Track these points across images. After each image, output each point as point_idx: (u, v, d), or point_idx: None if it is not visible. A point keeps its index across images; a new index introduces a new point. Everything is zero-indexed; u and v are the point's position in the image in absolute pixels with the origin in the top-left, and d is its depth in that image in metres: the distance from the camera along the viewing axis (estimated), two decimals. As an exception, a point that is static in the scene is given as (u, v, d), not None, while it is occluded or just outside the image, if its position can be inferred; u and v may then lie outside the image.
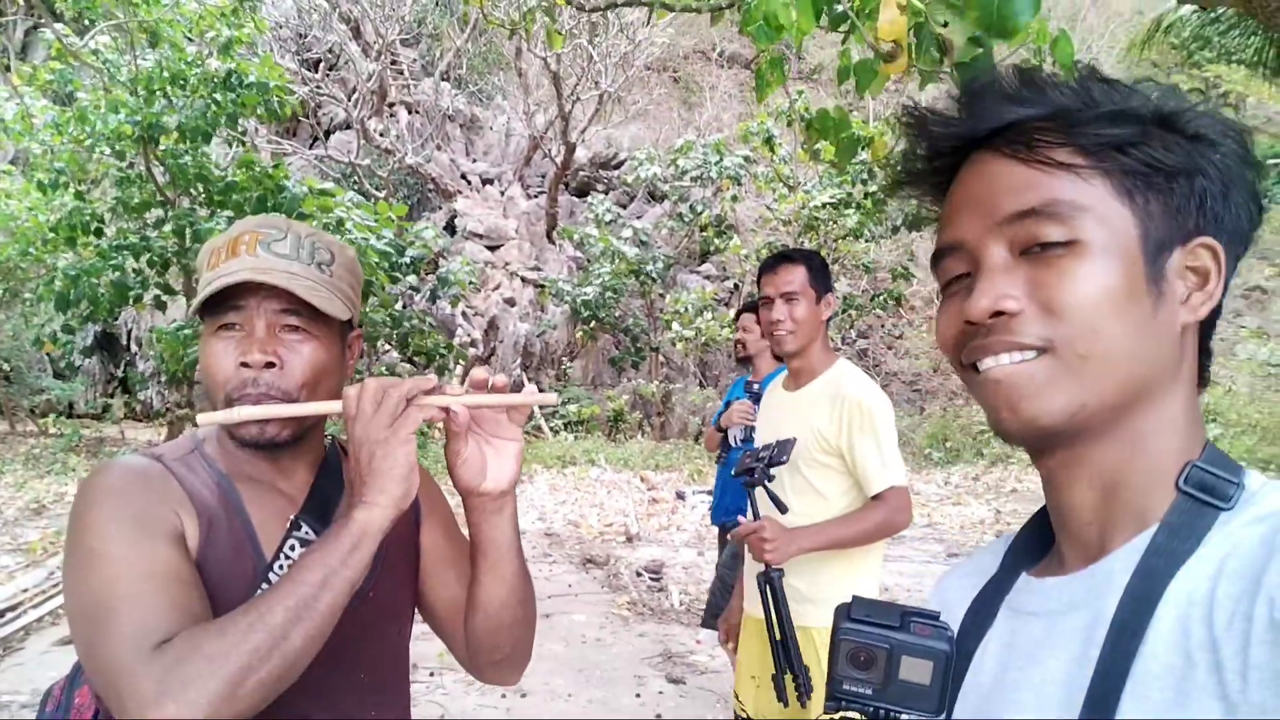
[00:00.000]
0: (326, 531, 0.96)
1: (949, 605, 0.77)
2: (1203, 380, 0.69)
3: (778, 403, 2.56)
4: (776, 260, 2.50)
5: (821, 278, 2.47)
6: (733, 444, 3.87)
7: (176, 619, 0.92)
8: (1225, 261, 0.65)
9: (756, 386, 3.79)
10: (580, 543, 7.46)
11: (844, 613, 0.65)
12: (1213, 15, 8.68)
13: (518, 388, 1.05)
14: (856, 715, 0.66)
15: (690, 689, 4.49)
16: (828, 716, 0.68)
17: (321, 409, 1.04)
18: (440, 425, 1.03)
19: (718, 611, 3.90)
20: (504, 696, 4.23)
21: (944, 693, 0.62)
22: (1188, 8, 9.31)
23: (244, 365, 1.07)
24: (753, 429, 3.76)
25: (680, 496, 9.54)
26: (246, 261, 1.08)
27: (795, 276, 2.43)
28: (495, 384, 1.01)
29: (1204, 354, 0.69)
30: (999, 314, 0.65)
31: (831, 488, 2.37)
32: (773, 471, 2.28)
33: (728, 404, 3.94)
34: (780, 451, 2.25)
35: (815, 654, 2.28)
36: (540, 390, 1.08)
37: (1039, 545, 0.77)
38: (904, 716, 0.64)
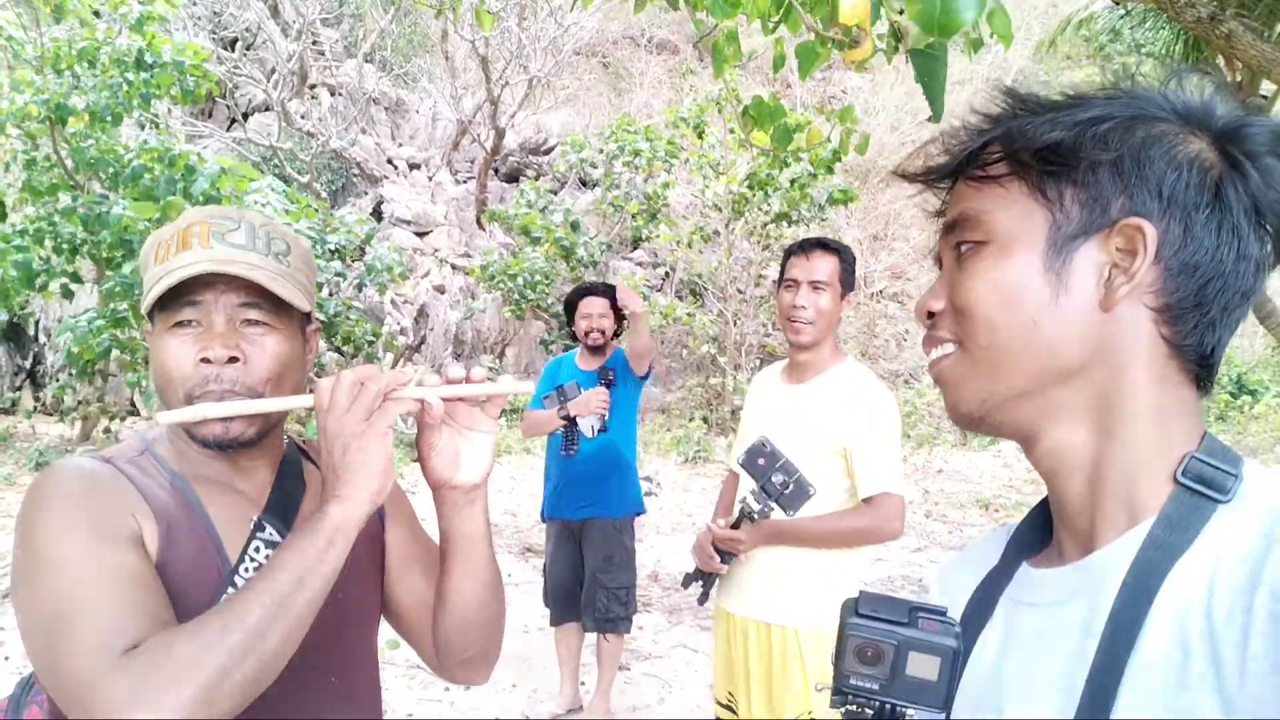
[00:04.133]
0: (300, 528, 0.93)
1: (951, 595, 0.78)
2: (1204, 384, 0.69)
3: (778, 394, 2.48)
4: (811, 245, 2.40)
5: (849, 274, 2.40)
6: (588, 435, 3.73)
7: (143, 624, 0.88)
8: (1156, 240, 0.64)
9: (614, 374, 3.68)
10: (518, 531, 7.41)
11: (851, 608, 0.65)
12: (1124, 9, 9.01)
13: None
14: (862, 710, 0.66)
15: (635, 675, 4.51)
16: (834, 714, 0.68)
17: (290, 404, 1.00)
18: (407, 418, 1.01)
19: (571, 609, 3.83)
20: (447, 690, 4.18)
21: (950, 688, 0.63)
22: (1101, 2, 9.65)
23: (204, 361, 1.02)
24: (607, 419, 3.72)
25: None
26: (202, 254, 1.03)
27: (828, 266, 2.35)
28: (471, 375, 0.99)
29: (1205, 358, 0.67)
30: (931, 314, 0.75)
31: (835, 485, 2.31)
32: (770, 511, 2.18)
33: (559, 388, 3.74)
34: (797, 496, 2.13)
35: (798, 652, 2.26)
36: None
37: (1040, 535, 0.78)
38: (910, 712, 0.64)
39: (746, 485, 2.29)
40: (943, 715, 0.63)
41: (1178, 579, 0.61)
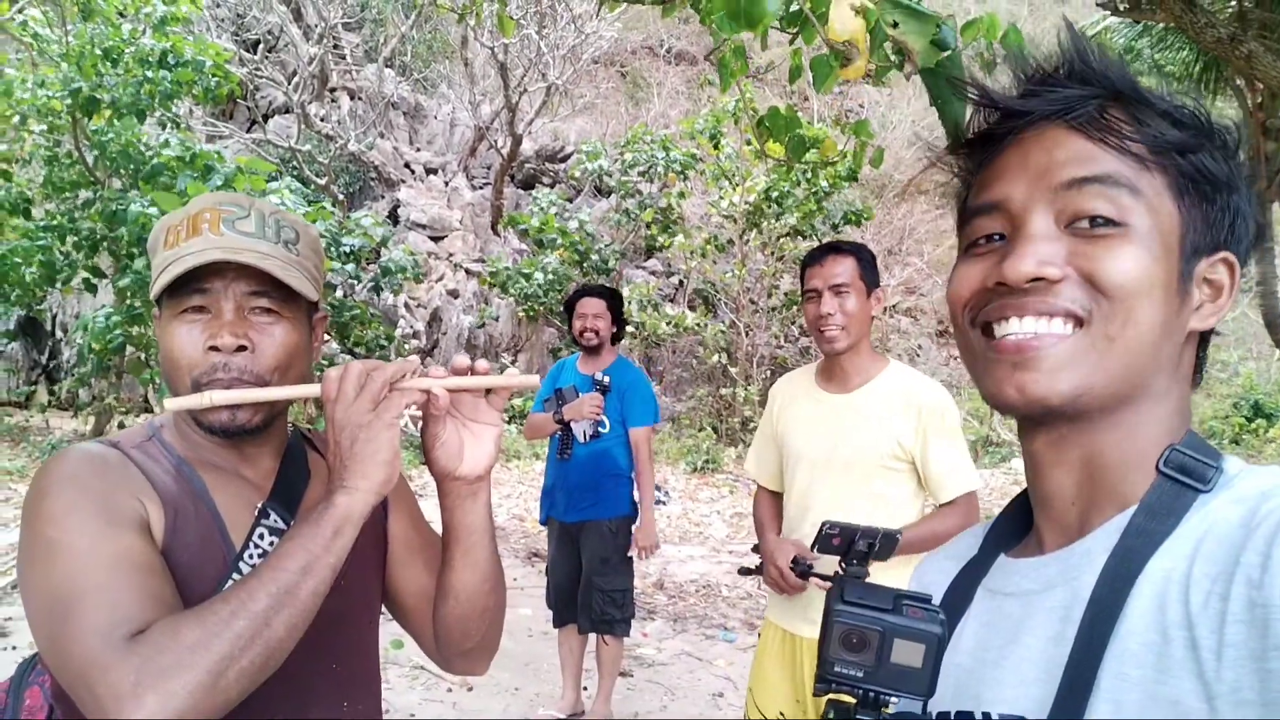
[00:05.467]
0: (306, 517, 0.93)
1: (928, 588, 0.78)
2: (1196, 381, 0.72)
3: (824, 405, 2.36)
4: (823, 251, 2.33)
5: (871, 271, 2.32)
6: (581, 439, 3.74)
7: (149, 608, 0.88)
8: (1238, 278, 0.67)
9: (608, 380, 3.68)
10: (525, 536, 7.42)
11: (837, 595, 0.65)
12: (1143, 28, 8.97)
13: None
14: (846, 697, 0.66)
15: (638, 681, 4.50)
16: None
17: (297, 392, 1.01)
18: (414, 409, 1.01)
19: (571, 610, 3.84)
20: (449, 691, 4.19)
21: (934, 676, 0.63)
22: (1113, 20, 9.63)
23: (213, 349, 1.03)
24: (601, 424, 3.72)
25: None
26: (212, 240, 1.04)
27: (845, 268, 2.27)
28: (477, 368, 1.00)
29: (1200, 356, 0.72)
30: (1037, 280, 0.64)
31: (899, 493, 2.26)
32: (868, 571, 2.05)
33: (558, 391, 3.76)
34: (887, 547, 2.01)
35: None
36: None
37: (1018, 528, 0.78)
38: (894, 699, 0.64)
39: (828, 561, 2.17)
40: (923, 701, 0.63)
41: (1158, 566, 0.62)
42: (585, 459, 3.77)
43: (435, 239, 14.95)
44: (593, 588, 3.76)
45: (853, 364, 2.32)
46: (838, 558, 2.06)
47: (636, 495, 3.87)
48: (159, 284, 1.05)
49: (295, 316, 1.10)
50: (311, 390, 1.00)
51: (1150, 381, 0.67)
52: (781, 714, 2.34)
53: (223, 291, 1.05)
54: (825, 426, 2.34)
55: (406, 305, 13.45)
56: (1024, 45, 2.61)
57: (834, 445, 2.30)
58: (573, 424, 3.74)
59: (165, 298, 1.06)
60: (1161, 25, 6.91)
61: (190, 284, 1.04)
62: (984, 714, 0.66)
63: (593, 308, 3.79)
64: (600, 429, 3.76)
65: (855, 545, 2.03)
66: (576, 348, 3.92)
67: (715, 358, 12.70)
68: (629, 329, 12.64)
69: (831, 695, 0.67)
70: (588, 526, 3.80)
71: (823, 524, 2.04)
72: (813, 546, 2.08)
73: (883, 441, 2.24)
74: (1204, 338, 0.71)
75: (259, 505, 1.10)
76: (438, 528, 1.16)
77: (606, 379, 3.71)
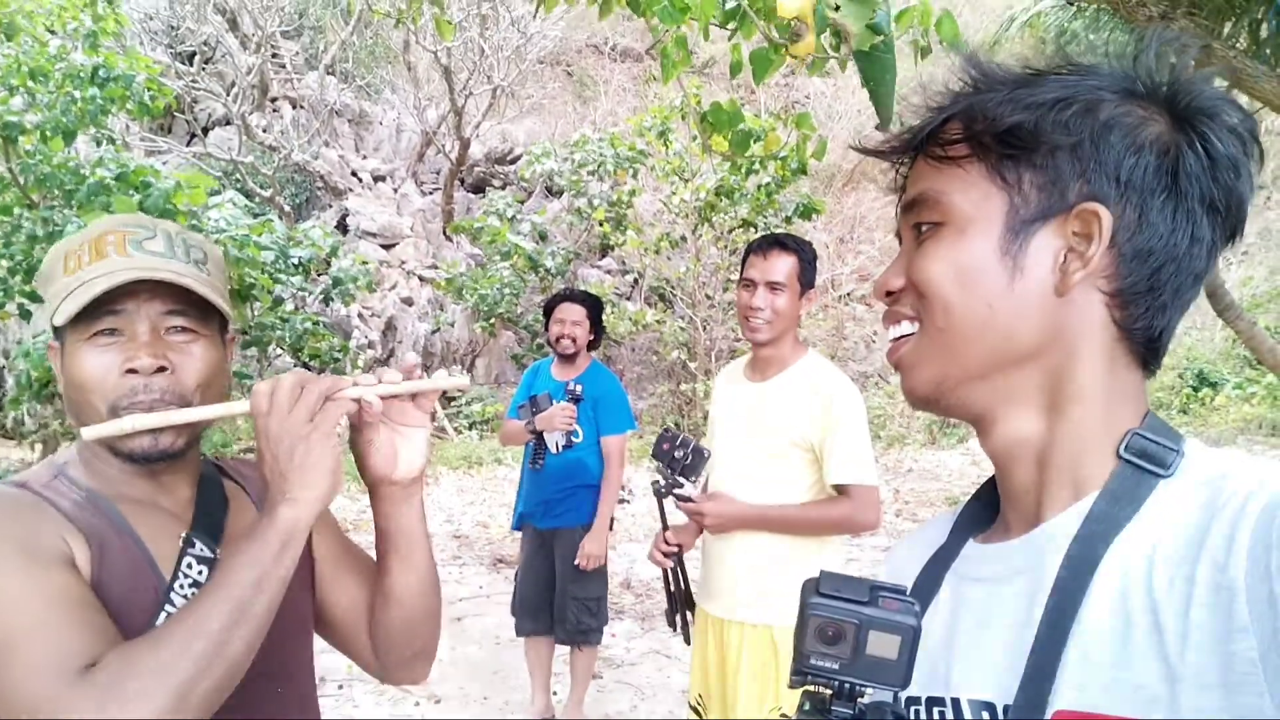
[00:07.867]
0: (251, 533, 0.92)
1: (899, 575, 0.78)
2: (1150, 365, 0.69)
3: (739, 393, 2.48)
4: (768, 244, 2.40)
5: (809, 271, 2.40)
6: (553, 450, 3.69)
7: (96, 642, 0.85)
8: (1111, 226, 0.64)
9: (580, 389, 3.65)
10: (490, 543, 7.35)
11: (813, 588, 0.64)
12: (1076, 9, 9.15)
13: None
14: (822, 690, 0.65)
15: (608, 683, 4.48)
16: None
17: (224, 411, 0.99)
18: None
19: (541, 621, 3.82)
20: (417, 705, 4.13)
21: (910, 667, 0.62)
22: (1046, 3, 9.81)
23: (131, 372, 1.00)
24: (574, 433, 3.70)
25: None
26: (120, 262, 1.01)
27: (785, 266, 2.35)
28: (404, 370, 1.01)
29: (1153, 340, 0.68)
30: (891, 291, 0.74)
31: (802, 480, 2.32)
32: (682, 481, 2.26)
33: (532, 398, 3.71)
34: (696, 462, 2.20)
35: (774, 651, 2.25)
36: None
37: (986, 513, 0.78)
38: (869, 691, 0.63)
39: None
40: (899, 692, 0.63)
41: (1120, 550, 0.61)
42: (558, 469, 3.72)
43: (386, 247, 14.77)
44: (568, 596, 3.72)
45: (773, 354, 2.41)
46: (663, 464, 2.28)
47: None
48: (65, 310, 1.01)
49: (212, 335, 1.09)
50: (239, 407, 0.98)
51: (1018, 356, 0.67)
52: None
53: (136, 313, 1.03)
54: (736, 411, 2.46)
55: (360, 315, 13.27)
56: (958, 34, 2.64)
57: (740, 430, 2.40)
58: (545, 434, 3.69)
59: (69, 324, 1.02)
60: (1094, 6, 7.05)
61: (101, 306, 1.01)
62: (953, 699, 0.66)
63: (572, 314, 3.74)
64: (573, 438, 3.71)
65: (674, 453, 2.24)
66: (550, 351, 3.88)
67: (674, 354, 12.71)
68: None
69: (806, 687, 0.66)
70: (561, 533, 3.77)
71: (663, 428, 2.26)
72: (652, 455, 2.32)
73: (784, 429, 2.32)
74: (1145, 308, 0.66)
75: (183, 535, 1.07)
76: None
77: (579, 387, 3.66)
